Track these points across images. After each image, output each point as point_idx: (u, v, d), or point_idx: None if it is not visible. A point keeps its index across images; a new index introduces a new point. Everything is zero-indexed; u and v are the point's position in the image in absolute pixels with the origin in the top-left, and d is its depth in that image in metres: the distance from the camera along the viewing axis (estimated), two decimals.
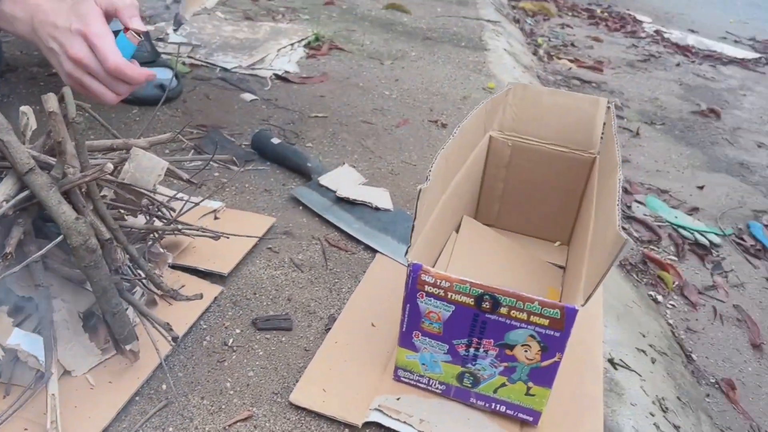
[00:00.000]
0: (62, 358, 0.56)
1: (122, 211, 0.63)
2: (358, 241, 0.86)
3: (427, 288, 0.55)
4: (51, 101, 0.56)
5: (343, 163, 1.03)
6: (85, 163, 0.56)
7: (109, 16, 0.77)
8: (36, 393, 0.55)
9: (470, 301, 0.54)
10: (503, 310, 0.53)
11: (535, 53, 2.32)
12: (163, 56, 1.25)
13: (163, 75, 1.14)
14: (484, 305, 0.54)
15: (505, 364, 0.56)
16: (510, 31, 2.30)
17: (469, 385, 0.59)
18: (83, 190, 0.57)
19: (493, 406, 0.59)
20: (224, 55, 1.45)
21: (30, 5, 0.77)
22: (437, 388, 0.61)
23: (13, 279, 0.56)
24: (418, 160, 1.12)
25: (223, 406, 0.58)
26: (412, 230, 0.56)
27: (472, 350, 0.57)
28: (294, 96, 1.29)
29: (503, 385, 0.58)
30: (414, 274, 0.55)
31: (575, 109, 0.82)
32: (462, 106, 1.38)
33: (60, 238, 0.52)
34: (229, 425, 0.56)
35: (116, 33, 0.77)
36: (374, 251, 0.84)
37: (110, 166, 0.54)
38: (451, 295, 0.55)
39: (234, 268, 0.75)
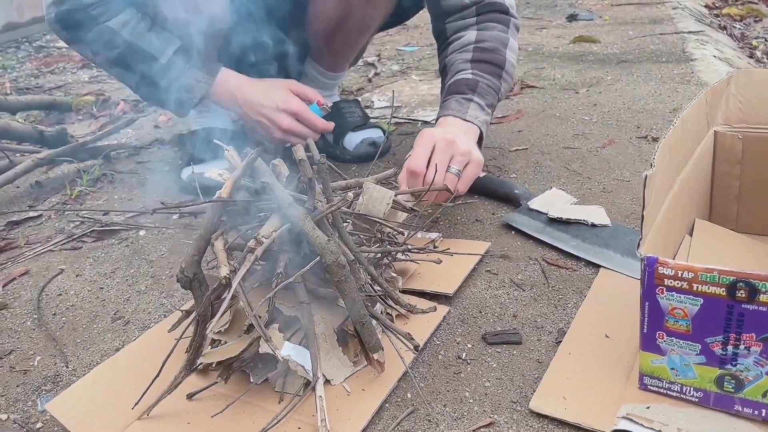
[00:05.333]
0: (324, 368, 0.64)
1: (361, 236, 0.71)
2: (578, 259, 0.84)
3: (666, 282, 0.52)
4: (299, 151, 0.67)
5: (551, 188, 1.02)
6: (329, 197, 0.66)
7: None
8: (304, 399, 0.63)
9: (721, 291, 0.50)
10: (763, 298, 0.48)
11: (751, 56, 2.08)
12: (372, 120, 1.39)
13: (375, 134, 1.27)
14: (739, 294, 0.49)
15: None
16: (717, 39, 2.10)
17: (732, 390, 0.53)
18: (329, 220, 0.66)
19: (764, 413, 0.52)
20: (423, 111, 1.56)
21: (231, 85, 1.03)
22: (693, 396, 0.56)
23: (281, 301, 0.66)
24: (631, 176, 1.06)
25: (465, 413, 0.60)
26: (642, 221, 0.54)
27: (730, 348, 0.52)
28: (492, 135, 1.33)
29: None
30: (649, 268, 0.53)
31: None
32: (673, 119, 1.28)
33: (317, 259, 0.61)
34: (473, 431, 0.58)
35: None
36: (597, 266, 0.81)
37: (351, 196, 0.63)
38: (697, 287, 0.51)
39: (457, 290, 0.79)
